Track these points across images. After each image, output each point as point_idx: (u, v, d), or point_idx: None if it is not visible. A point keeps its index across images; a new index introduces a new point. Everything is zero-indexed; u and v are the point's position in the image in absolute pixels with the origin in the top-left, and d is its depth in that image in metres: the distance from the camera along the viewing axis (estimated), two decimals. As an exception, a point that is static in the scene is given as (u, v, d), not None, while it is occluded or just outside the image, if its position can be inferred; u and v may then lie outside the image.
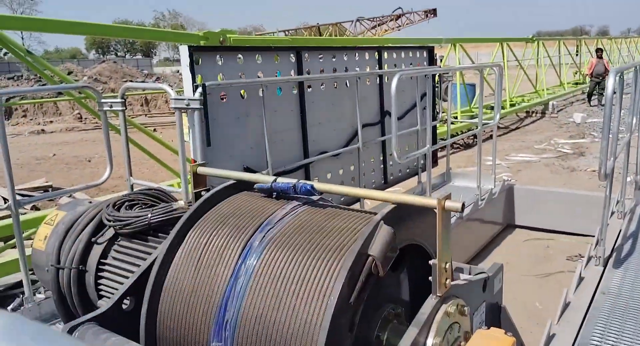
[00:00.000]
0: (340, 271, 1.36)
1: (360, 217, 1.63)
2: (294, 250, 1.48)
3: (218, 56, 3.57)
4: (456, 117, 11.73)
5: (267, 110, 3.78)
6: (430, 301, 1.52)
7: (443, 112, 6.90)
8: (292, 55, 4.25)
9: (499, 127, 14.16)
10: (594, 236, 4.00)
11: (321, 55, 4.55)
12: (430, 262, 1.55)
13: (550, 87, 17.98)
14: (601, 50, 17.77)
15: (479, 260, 5.58)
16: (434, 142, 6.06)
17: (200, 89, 3.25)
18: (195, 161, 3.32)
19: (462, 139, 11.58)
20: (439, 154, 6.98)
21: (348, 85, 4.71)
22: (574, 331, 2.88)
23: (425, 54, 5.91)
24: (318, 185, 1.82)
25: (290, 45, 4.19)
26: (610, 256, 3.93)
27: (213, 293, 1.49)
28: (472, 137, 11.65)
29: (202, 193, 2.06)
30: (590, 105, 17.10)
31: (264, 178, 1.84)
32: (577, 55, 21.47)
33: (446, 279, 1.56)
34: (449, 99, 7.26)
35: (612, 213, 4.96)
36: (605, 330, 2.88)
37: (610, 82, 3.08)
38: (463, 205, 1.48)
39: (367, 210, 1.77)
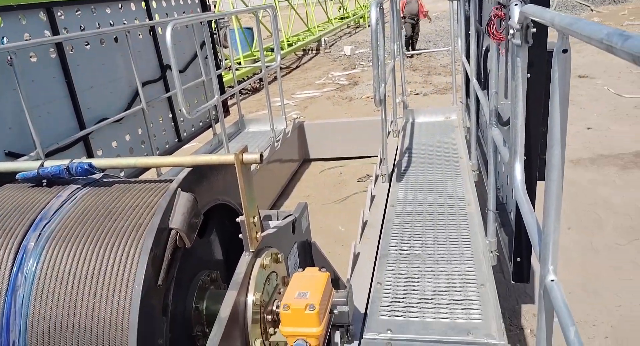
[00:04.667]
0: (141, 255, 1.23)
1: (155, 189, 1.49)
2: (82, 241, 1.29)
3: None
4: (240, 63, 11.69)
5: (22, 82, 3.21)
6: (245, 259, 1.50)
7: (226, 59, 6.78)
8: (42, 13, 3.64)
9: (281, 68, 14.64)
10: (377, 156, 4.44)
11: (78, 11, 3.98)
12: (238, 220, 1.51)
13: (320, 24, 18.99)
14: None
15: (284, 199, 5.82)
16: (222, 91, 5.95)
17: None
18: None
19: (249, 84, 11.65)
20: (230, 102, 6.92)
21: (118, 41, 4.25)
22: (375, 245, 3.21)
23: (197, 0, 5.63)
24: (98, 162, 1.60)
25: (39, 1, 3.56)
26: (392, 172, 4.42)
27: (-10, 314, 1.24)
28: (259, 81, 11.82)
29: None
30: (408, 55, 13.20)
31: (28, 165, 1.55)
32: (338, -10, 22.87)
33: (256, 233, 1.55)
34: (229, 45, 7.10)
35: (389, 133, 5.56)
36: (399, 238, 3.27)
37: (373, 14, 3.30)
38: (261, 156, 1.44)
39: (162, 178, 1.62)
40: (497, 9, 2.03)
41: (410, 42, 13.61)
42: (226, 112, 6.18)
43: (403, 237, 3.28)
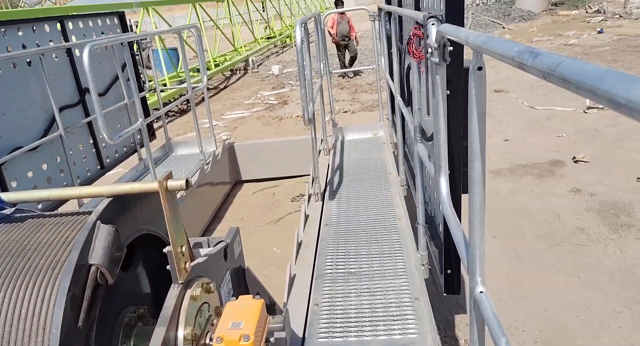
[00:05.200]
0: (58, 295, 1.14)
1: (73, 222, 1.40)
2: (-10, 285, 1.17)
3: None
4: (165, 84, 11.43)
5: None
6: (173, 292, 1.43)
7: (150, 81, 6.59)
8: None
9: (208, 88, 14.45)
10: (310, 175, 4.45)
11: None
12: (165, 250, 1.44)
13: (247, 44, 19.01)
14: (341, 1, 12.71)
15: (216, 222, 5.69)
16: (147, 114, 5.77)
17: None
18: None
19: (176, 106, 11.40)
20: (156, 125, 6.72)
21: (32, 65, 4.01)
22: (310, 266, 3.19)
23: (116, 20, 5.44)
24: (7, 196, 1.48)
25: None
26: (325, 190, 4.44)
27: None
28: (186, 102, 11.59)
29: None
30: (339, 74, 13.05)
31: None
32: (263, 11, 23.06)
33: (185, 263, 1.48)
34: (152, 66, 6.92)
35: (320, 151, 5.60)
36: (334, 257, 3.27)
37: (298, 34, 3.33)
38: (187, 181, 1.39)
39: (81, 210, 1.52)
40: (415, 28, 2.10)
41: (347, 62, 13.24)
42: (152, 135, 5.99)
43: (338, 256, 3.28)
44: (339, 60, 13.45)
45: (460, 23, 1.88)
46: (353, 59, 13.39)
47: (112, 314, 1.43)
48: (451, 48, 1.78)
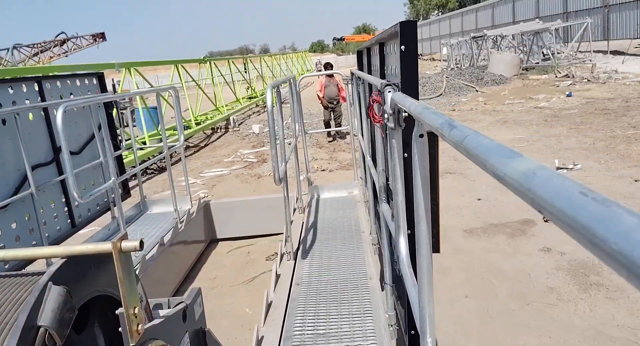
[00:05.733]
0: (1, 359, 1.13)
1: (23, 283, 1.40)
2: None
3: None
4: (145, 143, 11.51)
5: None
6: (124, 355, 1.41)
7: (128, 139, 6.65)
8: None
9: (189, 146, 14.58)
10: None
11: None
12: (117, 312, 1.44)
13: (228, 103, 19.40)
14: (330, 64, 12.94)
15: (189, 281, 5.59)
16: (123, 171, 5.79)
17: None
18: None
19: (154, 164, 11.43)
20: (134, 183, 6.71)
21: (6, 124, 4.05)
22: (279, 327, 3.15)
23: (95, 80, 5.57)
24: (-40, 256, 1.48)
25: None
26: (298, 249, 4.45)
27: None
28: (164, 160, 11.65)
29: None
30: (331, 141, 12.66)
31: None
32: (245, 72, 23.73)
33: (138, 325, 1.47)
34: (130, 125, 7.01)
35: (294, 209, 5.64)
36: (304, 318, 3.23)
37: (268, 97, 3.46)
38: (141, 242, 1.41)
39: (35, 271, 1.52)
40: (376, 94, 2.21)
41: (330, 124, 12.73)
42: (127, 193, 5.98)
43: (307, 316, 3.25)
44: (324, 120, 13.10)
45: (415, 91, 2.00)
46: (339, 124, 12.79)
47: (61, 379, 1.40)
48: (406, 114, 1.88)
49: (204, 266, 6.01)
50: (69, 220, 4.80)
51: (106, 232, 5.27)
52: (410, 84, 1.95)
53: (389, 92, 1.98)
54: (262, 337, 3.03)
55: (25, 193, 4.05)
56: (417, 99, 2.13)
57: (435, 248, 2.19)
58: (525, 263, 5.05)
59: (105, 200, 5.54)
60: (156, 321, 1.61)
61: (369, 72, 4.11)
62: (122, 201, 5.82)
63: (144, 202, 6.18)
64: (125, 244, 1.38)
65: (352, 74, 5.28)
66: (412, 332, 2.35)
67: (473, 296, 4.48)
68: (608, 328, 3.85)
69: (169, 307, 1.97)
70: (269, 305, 3.42)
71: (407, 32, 1.93)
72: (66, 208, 4.78)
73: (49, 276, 1.34)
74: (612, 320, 3.95)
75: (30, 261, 4.15)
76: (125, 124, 7.20)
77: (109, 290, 1.66)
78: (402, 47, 1.95)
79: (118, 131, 5.92)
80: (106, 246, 1.38)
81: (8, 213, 3.96)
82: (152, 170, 11.48)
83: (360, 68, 5.02)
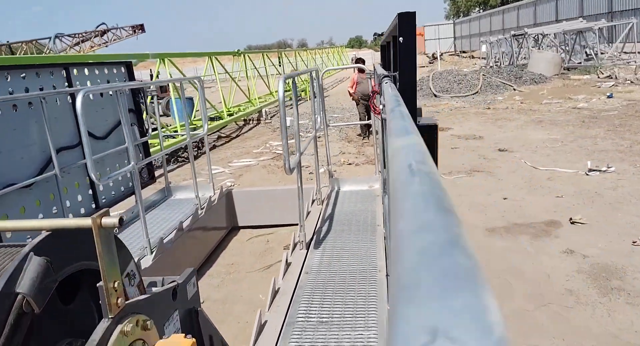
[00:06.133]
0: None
1: (7, 253, 1.46)
2: None
3: None
4: (176, 131, 11.76)
5: None
6: (102, 326, 1.45)
7: (162, 128, 6.81)
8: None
9: (221, 137, 14.78)
10: (303, 224, 4.48)
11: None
12: (98, 285, 1.48)
13: (261, 96, 19.54)
14: (362, 60, 12.10)
15: (208, 266, 5.70)
16: (147, 157, 5.93)
17: None
18: None
19: (186, 152, 11.65)
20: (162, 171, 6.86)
21: (33, 106, 4.21)
22: (283, 313, 3.17)
23: (123, 69, 5.72)
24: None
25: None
26: (312, 239, 4.47)
27: None
28: (197, 149, 11.90)
29: None
30: (364, 139, 12.01)
31: None
32: (280, 65, 23.84)
33: (118, 298, 1.51)
34: (157, 113, 7.16)
35: (314, 200, 5.66)
36: (308, 305, 3.25)
37: (280, 87, 3.47)
38: (121, 219, 1.45)
39: (19, 243, 1.59)
40: (377, 86, 2.20)
41: (367, 127, 11.44)
42: (151, 178, 6.13)
43: (312, 304, 3.27)
44: (359, 116, 12.16)
45: (412, 83, 1.97)
46: (369, 125, 10.79)
47: (44, 345, 1.46)
48: (401, 102, 1.86)
49: (224, 252, 6.10)
50: (92, 202, 4.95)
51: (129, 215, 5.42)
52: (407, 76, 1.93)
53: (386, 83, 1.97)
54: (266, 322, 3.07)
55: (50, 174, 4.21)
56: (415, 91, 2.10)
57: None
58: (546, 264, 4.92)
59: (131, 184, 5.69)
60: (140, 297, 1.65)
61: (392, 66, 4.07)
62: (147, 186, 5.98)
63: (169, 188, 6.32)
64: (105, 220, 1.42)
65: (374, 68, 5.24)
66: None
67: (487, 295, 4.40)
68: (625, 334, 3.72)
69: (162, 285, 2.02)
70: (275, 292, 3.46)
71: (406, 23, 1.91)
72: (90, 190, 4.94)
73: (31, 247, 1.39)
74: (630, 326, 3.82)
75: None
76: (166, 113, 7.35)
77: (95, 265, 1.71)
78: (400, 38, 1.92)
79: (145, 118, 6.07)
80: (86, 222, 1.43)
81: (32, 191, 4.12)
82: (182, 158, 11.71)
83: (384, 62, 4.99)
